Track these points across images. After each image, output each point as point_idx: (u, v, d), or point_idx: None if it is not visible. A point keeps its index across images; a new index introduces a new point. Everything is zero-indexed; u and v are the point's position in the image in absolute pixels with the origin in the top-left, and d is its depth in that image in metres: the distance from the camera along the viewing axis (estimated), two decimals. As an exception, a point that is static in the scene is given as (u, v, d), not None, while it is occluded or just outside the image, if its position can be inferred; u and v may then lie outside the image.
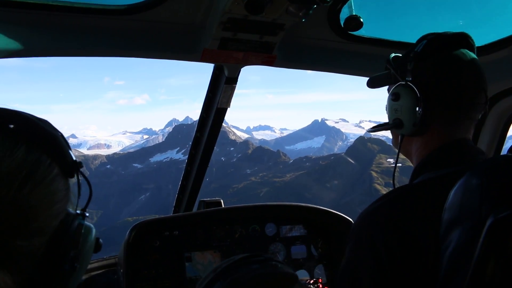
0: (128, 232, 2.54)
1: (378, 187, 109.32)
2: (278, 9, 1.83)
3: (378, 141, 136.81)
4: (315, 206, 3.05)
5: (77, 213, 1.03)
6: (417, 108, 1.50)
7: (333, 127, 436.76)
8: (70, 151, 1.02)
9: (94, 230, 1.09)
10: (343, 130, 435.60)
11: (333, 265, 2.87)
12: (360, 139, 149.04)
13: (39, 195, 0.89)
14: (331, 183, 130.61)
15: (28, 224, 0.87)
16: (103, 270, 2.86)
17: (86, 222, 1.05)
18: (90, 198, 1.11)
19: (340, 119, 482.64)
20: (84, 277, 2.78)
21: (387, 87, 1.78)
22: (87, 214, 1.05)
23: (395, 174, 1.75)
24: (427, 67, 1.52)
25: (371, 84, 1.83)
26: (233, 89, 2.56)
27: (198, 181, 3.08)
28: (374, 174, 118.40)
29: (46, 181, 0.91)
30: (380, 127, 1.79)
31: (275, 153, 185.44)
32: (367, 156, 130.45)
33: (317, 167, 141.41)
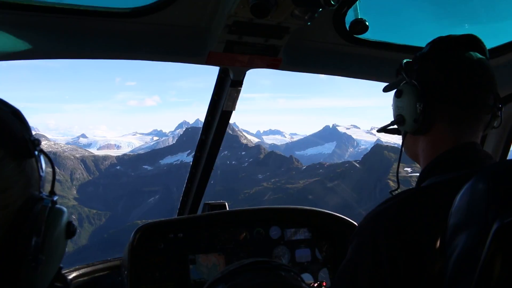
0: (132, 234, 2.55)
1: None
2: (283, 13, 1.83)
3: (395, 149, 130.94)
4: (319, 209, 3.05)
5: (42, 196, 0.93)
6: (417, 104, 1.51)
7: (344, 133, 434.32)
8: (23, 129, 0.92)
9: (66, 214, 0.97)
10: (354, 136, 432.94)
11: (338, 268, 2.86)
12: (377, 147, 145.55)
13: None
14: (346, 192, 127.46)
15: None
16: (108, 272, 2.87)
17: (57, 206, 0.94)
18: (54, 178, 1.01)
19: (351, 125, 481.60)
20: (88, 277, 2.79)
21: None
22: (56, 197, 0.95)
23: (398, 172, 1.76)
24: (431, 66, 1.54)
25: (387, 89, 1.85)
26: (238, 92, 2.56)
27: (203, 184, 3.08)
28: (391, 183, 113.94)
29: None
30: (386, 127, 1.80)
31: (287, 158, 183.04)
32: (383, 165, 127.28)
33: (332, 175, 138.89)
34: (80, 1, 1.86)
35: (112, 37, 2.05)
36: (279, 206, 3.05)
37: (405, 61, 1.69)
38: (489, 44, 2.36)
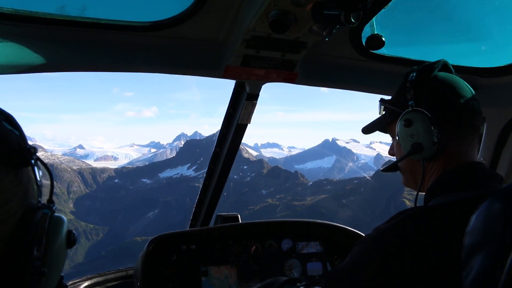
0: (146, 245, 2.56)
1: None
2: (301, 28, 1.83)
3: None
4: (330, 222, 3.05)
5: (40, 205, 0.89)
6: (432, 127, 1.52)
7: (344, 147, 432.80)
8: (18, 137, 0.87)
9: (66, 223, 0.94)
10: (354, 150, 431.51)
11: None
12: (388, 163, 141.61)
13: None
14: (358, 211, 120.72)
15: None
16: (119, 282, 2.88)
17: (56, 214, 0.90)
18: (52, 186, 0.99)
19: (351, 139, 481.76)
20: (99, 287, 2.80)
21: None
22: (55, 206, 0.92)
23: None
24: (425, 90, 1.59)
25: (367, 131, 1.93)
26: (253, 105, 2.57)
27: (216, 196, 3.10)
28: (407, 202, 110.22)
29: None
30: (397, 162, 1.79)
31: (292, 174, 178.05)
32: (396, 182, 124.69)
33: (341, 192, 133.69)
34: (100, 14, 1.88)
35: (130, 50, 2.07)
36: (291, 219, 3.05)
37: (380, 98, 1.79)
38: (503, 61, 2.38)
